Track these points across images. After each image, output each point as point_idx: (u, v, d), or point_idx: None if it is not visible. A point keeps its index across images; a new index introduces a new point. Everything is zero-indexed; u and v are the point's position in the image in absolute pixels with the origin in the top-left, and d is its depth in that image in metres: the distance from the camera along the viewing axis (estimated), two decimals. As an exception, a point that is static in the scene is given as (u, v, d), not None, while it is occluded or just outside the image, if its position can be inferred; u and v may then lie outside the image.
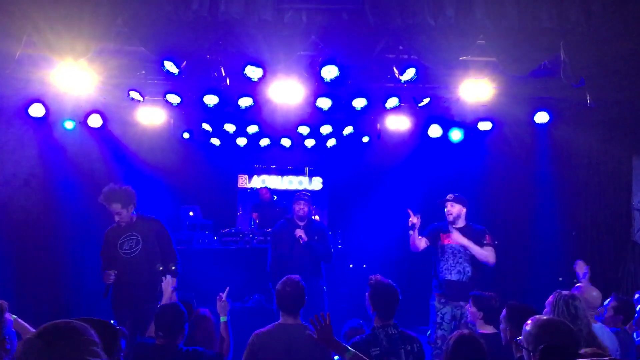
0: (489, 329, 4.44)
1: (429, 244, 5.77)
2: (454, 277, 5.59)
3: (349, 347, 3.27)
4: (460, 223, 5.76)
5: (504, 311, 3.57)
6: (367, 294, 3.89)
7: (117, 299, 5.25)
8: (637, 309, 4.71)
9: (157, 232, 5.40)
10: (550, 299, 3.60)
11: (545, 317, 2.92)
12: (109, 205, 5.22)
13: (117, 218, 5.26)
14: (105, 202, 5.23)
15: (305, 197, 6.16)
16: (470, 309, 4.69)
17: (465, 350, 3.23)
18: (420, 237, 5.73)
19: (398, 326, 3.77)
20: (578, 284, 4.31)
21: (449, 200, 5.77)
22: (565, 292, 3.58)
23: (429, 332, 5.78)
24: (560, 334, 2.73)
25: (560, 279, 6.87)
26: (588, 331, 3.39)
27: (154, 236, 5.35)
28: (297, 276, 4.07)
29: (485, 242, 5.63)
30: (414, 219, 5.62)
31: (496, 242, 5.86)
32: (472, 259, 5.59)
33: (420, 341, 3.81)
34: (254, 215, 9.66)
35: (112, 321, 3.01)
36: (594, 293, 4.23)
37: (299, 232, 5.98)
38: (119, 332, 2.42)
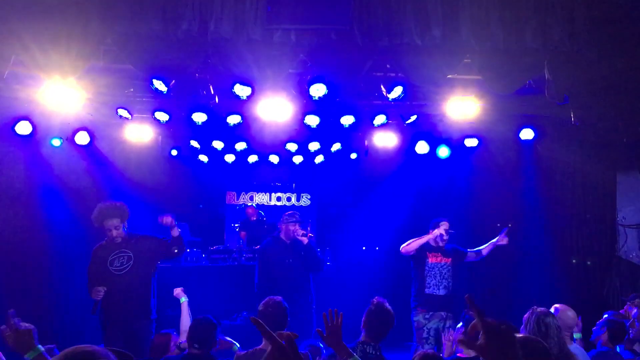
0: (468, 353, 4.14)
1: (414, 256, 6.05)
2: (441, 292, 5.97)
3: (354, 354, 3.15)
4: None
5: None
6: (365, 311, 3.90)
7: (107, 316, 5.16)
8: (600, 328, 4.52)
9: (150, 244, 5.35)
10: (525, 315, 3.60)
11: (520, 336, 2.93)
12: (107, 220, 5.15)
13: (114, 233, 5.18)
14: (103, 219, 5.16)
15: (297, 218, 6.06)
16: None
17: None
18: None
19: (380, 349, 3.77)
20: (556, 305, 4.23)
21: (445, 221, 6.10)
22: (540, 309, 3.56)
23: (416, 347, 5.81)
24: (534, 353, 2.75)
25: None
26: (560, 350, 3.36)
27: (146, 251, 5.29)
28: (279, 297, 4.03)
29: (466, 250, 6.24)
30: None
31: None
32: (453, 274, 6.05)
33: None
34: (242, 234, 9.64)
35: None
36: (569, 313, 4.13)
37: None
38: None
